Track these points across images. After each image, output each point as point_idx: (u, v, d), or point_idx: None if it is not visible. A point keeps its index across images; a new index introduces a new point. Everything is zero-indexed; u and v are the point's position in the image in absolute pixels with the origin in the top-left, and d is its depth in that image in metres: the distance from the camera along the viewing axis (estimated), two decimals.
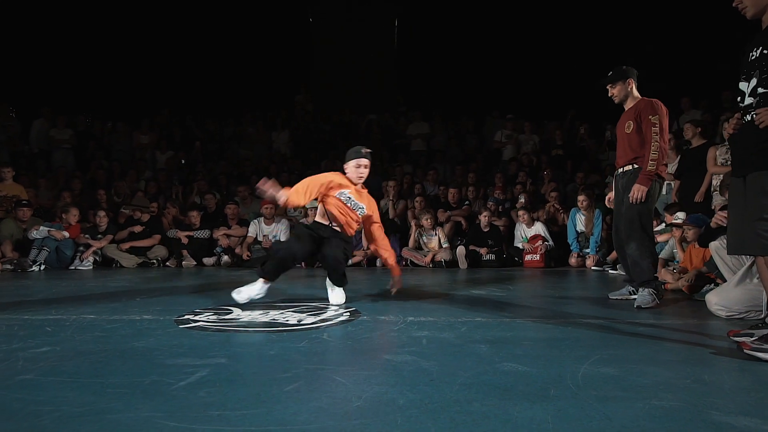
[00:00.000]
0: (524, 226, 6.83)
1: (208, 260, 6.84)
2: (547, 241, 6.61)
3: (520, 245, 6.78)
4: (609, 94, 3.64)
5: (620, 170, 3.59)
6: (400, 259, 6.77)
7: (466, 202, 7.59)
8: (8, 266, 5.80)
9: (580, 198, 6.62)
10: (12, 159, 8.63)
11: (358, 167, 3.54)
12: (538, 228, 6.75)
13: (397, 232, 7.09)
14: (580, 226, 6.69)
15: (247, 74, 13.08)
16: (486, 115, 11.21)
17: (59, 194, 7.76)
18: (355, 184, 3.57)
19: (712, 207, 5.03)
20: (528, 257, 6.58)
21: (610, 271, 5.97)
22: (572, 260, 6.56)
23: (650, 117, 3.37)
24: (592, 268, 6.29)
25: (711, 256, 3.65)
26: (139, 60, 12.40)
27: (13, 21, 10.72)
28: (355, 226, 3.63)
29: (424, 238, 6.71)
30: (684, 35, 10.77)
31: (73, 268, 6.17)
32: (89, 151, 9.65)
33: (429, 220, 6.58)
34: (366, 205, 3.62)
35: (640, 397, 1.57)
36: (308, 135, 11.18)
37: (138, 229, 6.71)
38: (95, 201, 7.61)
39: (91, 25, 11.86)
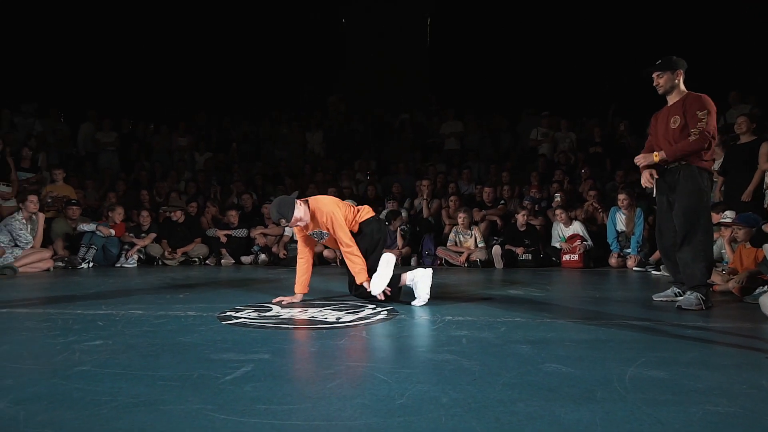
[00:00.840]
0: (562, 225, 6.70)
1: (246, 259, 6.98)
2: (586, 241, 6.45)
3: (557, 245, 6.64)
4: (654, 83, 3.48)
5: (666, 167, 3.45)
6: (434, 258, 6.75)
7: (501, 201, 7.49)
8: (60, 263, 6.08)
9: (621, 196, 6.43)
10: (61, 161, 9.04)
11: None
12: (577, 227, 6.59)
13: (431, 231, 7.06)
14: (620, 226, 6.51)
15: (281, 76, 13.29)
16: (520, 112, 11.04)
17: (105, 195, 8.07)
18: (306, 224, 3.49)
19: (765, 206, 4.81)
20: (566, 257, 6.45)
21: (653, 272, 5.78)
22: (612, 260, 6.39)
23: (698, 112, 3.25)
24: (634, 268, 6.11)
25: (764, 257, 3.49)
26: (178, 63, 12.77)
27: (62, 30, 11.21)
28: (333, 245, 3.66)
29: (460, 237, 6.66)
30: (734, 27, 10.32)
31: (118, 265, 6.41)
32: (132, 153, 10.00)
33: (464, 219, 6.53)
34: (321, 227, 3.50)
35: (693, 401, 1.52)
36: (341, 135, 11.28)
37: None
38: (138, 201, 7.88)
39: (134, 32, 12.29)
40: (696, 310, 3.15)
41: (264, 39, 13.08)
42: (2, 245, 5.49)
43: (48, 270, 5.80)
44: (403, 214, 7.27)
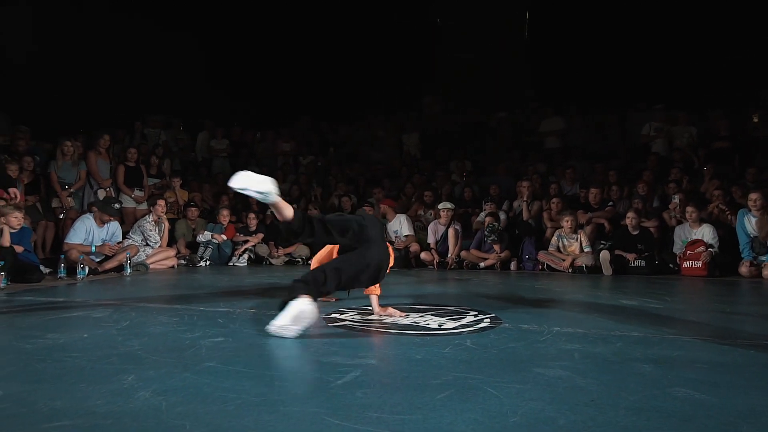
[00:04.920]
0: (687, 227, 6.08)
1: None
2: (712, 247, 5.81)
3: (677, 251, 6.06)
4: None
5: None
6: (536, 262, 6.48)
7: (610, 203, 6.99)
8: (182, 261, 6.72)
9: (753, 197, 5.73)
10: (182, 167, 9.99)
11: None
12: (706, 231, 5.94)
13: (532, 234, 6.79)
14: (751, 230, 5.79)
15: (376, 78, 13.52)
16: (629, 106, 10.24)
17: (219, 197, 8.77)
18: None
19: None
20: (687, 264, 5.86)
21: None
22: (743, 269, 5.70)
23: None
24: None
25: None
26: (280, 71, 13.50)
27: (183, 48, 12.36)
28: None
29: (563, 241, 6.33)
30: None
31: (231, 264, 6.94)
32: (242, 158, 10.76)
33: (570, 223, 6.19)
34: None
35: None
36: (437, 136, 11.24)
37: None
38: (247, 203, 8.47)
39: (243, 46, 13.22)
40: None
41: (358, 42, 13.39)
42: (136, 244, 6.18)
43: (172, 267, 6.43)
44: (502, 216, 7.08)
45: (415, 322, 2.95)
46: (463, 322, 2.97)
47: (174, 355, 2.14)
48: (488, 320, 3.03)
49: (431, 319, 3.05)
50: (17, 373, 1.90)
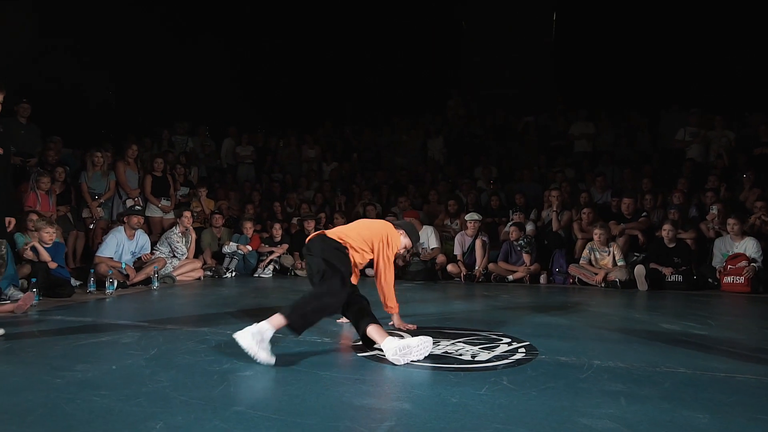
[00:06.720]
0: (729, 239, 5.82)
1: (370, 271, 7.10)
2: (755, 261, 5.54)
3: (717, 264, 5.80)
4: None
5: None
6: (566, 276, 6.28)
7: (644, 214, 6.73)
8: (209, 272, 6.74)
9: None
10: (208, 173, 10.06)
11: None
12: (749, 244, 5.67)
13: (563, 246, 6.59)
14: None
15: (400, 82, 13.42)
16: (661, 109, 9.90)
17: (244, 206, 8.79)
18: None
19: None
20: (727, 279, 5.60)
21: None
22: None
23: None
24: None
25: None
26: (302, 75, 13.52)
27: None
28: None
29: (595, 254, 6.12)
30: None
31: (256, 275, 6.93)
32: (266, 164, 10.78)
33: (601, 236, 5.98)
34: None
35: None
36: (462, 140, 11.06)
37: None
38: (272, 212, 8.46)
39: (266, 53, 13.29)
40: None
41: (382, 46, 13.30)
42: (163, 256, 6.22)
43: (199, 279, 6.45)
44: (529, 227, 6.90)
45: (447, 352, 2.85)
46: (497, 353, 2.85)
47: (203, 395, 2.09)
48: (523, 350, 2.90)
49: (463, 348, 2.95)
50: (46, 417, 1.87)
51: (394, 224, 3.39)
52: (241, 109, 12.69)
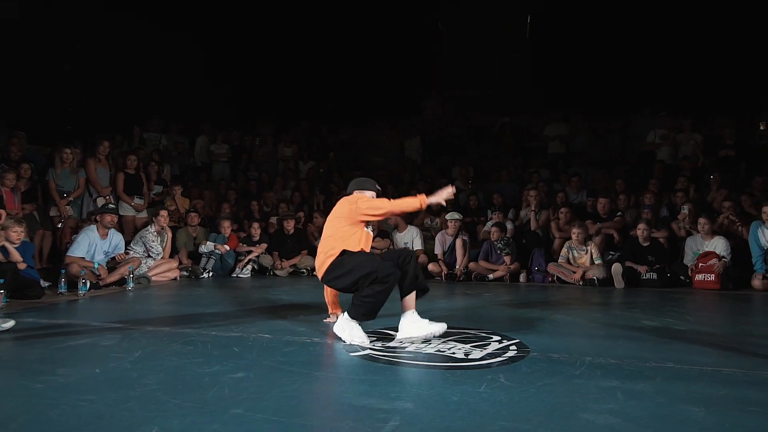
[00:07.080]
0: (700, 238, 6.00)
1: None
2: (724, 258, 5.74)
3: (688, 262, 5.98)
4: None
5: None
6: (545, 274, 6.37)
7: (618, 213, 6.90)
8: (185, 272, 6.56)
9: (766, 209, 5.66)
10: (181, 171, 9.80)
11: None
12: (718, 243, 5.86)
13: (541, 245, 6.68)
14: (765, 242, 5.73)
15: (377, 82, 13.38)
16: (632, 112, 10.19)
17: (219, 205, 8.60)
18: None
19: None
20: (699, 277, 5.78)
21: None
22: (756, 282, 5.62)
23: None
24: None
25: None
26: (279, 73, 13.34)
27: (173, 49, 12.16)
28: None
29: (573, 252, 6.23)
30: None
31: (234, 276, 6.78)
32: (242, 163, 10.58)
33: (579, 235, 6.09)
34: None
35: None
36: (439, 140, 11.12)
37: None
38: (249, 211, 8.30)
39: (240, 47, 13.04)
40: None
41: (359, 46, 13.25)
42: (138, 256, 6.02)
43: (175, 279, 6.27)
44: (509, 226, 6.97)
45: (439, 350, 2.84)
46: (489, 350, 2.85)
47: (196, 398, 2.02)
48: (514, 347, 2.92)
49: (455, 346, 2.94)
50: (30, 424, 1.77)
51: (345, 194, 3.46)
52: (216, 107, 12.43)
